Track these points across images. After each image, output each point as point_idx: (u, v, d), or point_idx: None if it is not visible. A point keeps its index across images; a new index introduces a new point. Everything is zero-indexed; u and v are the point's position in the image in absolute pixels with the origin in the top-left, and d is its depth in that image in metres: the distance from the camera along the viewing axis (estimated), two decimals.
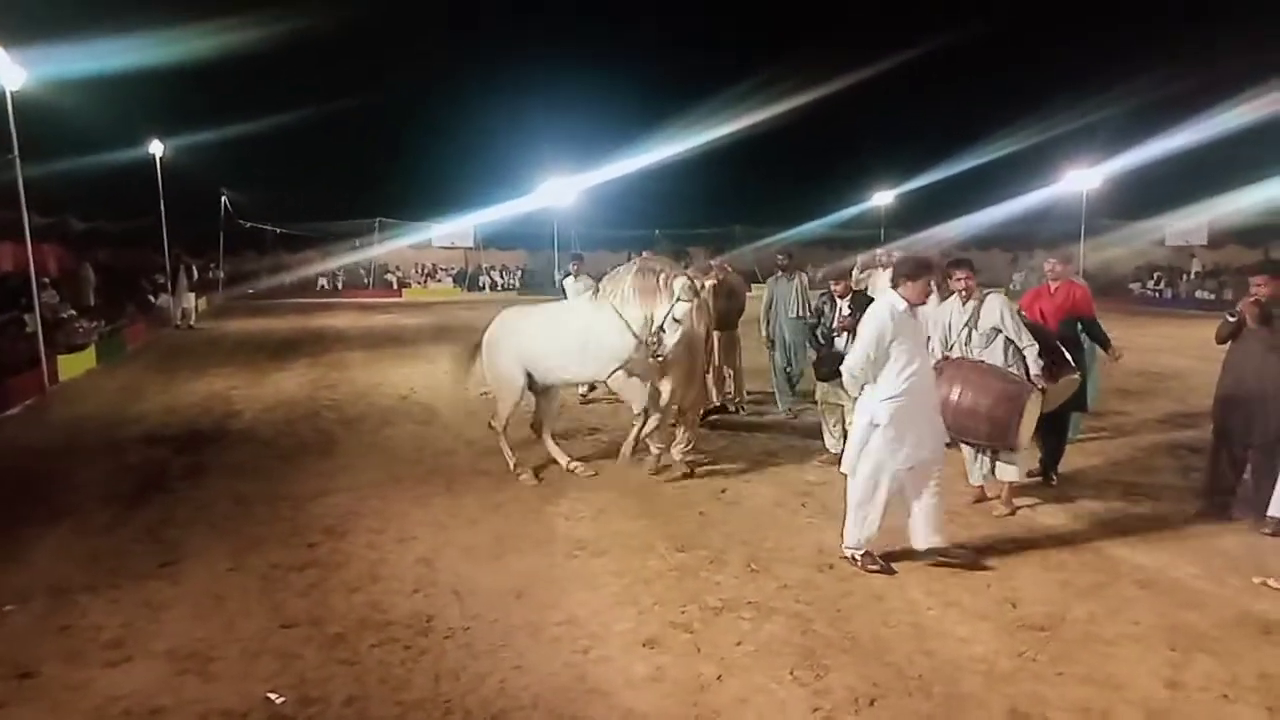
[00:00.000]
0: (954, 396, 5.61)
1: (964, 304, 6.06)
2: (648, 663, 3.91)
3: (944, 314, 6.21)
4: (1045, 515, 5.97)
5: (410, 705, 3.56)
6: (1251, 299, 5.59)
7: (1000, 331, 5.90)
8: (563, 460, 7.18)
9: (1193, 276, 32.48)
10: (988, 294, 6.09)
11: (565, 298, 9.85)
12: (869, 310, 5.03)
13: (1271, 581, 4.68)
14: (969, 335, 6.01)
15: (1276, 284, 5.58)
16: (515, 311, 7.49)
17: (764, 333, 9.33)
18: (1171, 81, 29.91)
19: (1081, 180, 30.80)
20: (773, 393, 9.59)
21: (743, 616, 4.39)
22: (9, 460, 8.02)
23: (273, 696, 3.62)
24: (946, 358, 5.98)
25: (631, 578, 4.91)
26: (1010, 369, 5.82)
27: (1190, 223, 32.27)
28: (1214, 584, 4.74)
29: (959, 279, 6.08)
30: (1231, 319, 5.78)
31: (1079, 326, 6.82)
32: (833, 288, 7.24)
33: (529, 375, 7.02)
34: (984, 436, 5.76)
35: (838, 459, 7.15)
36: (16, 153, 11.59)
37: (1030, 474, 6.44)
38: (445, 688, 3.70)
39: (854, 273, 8.15)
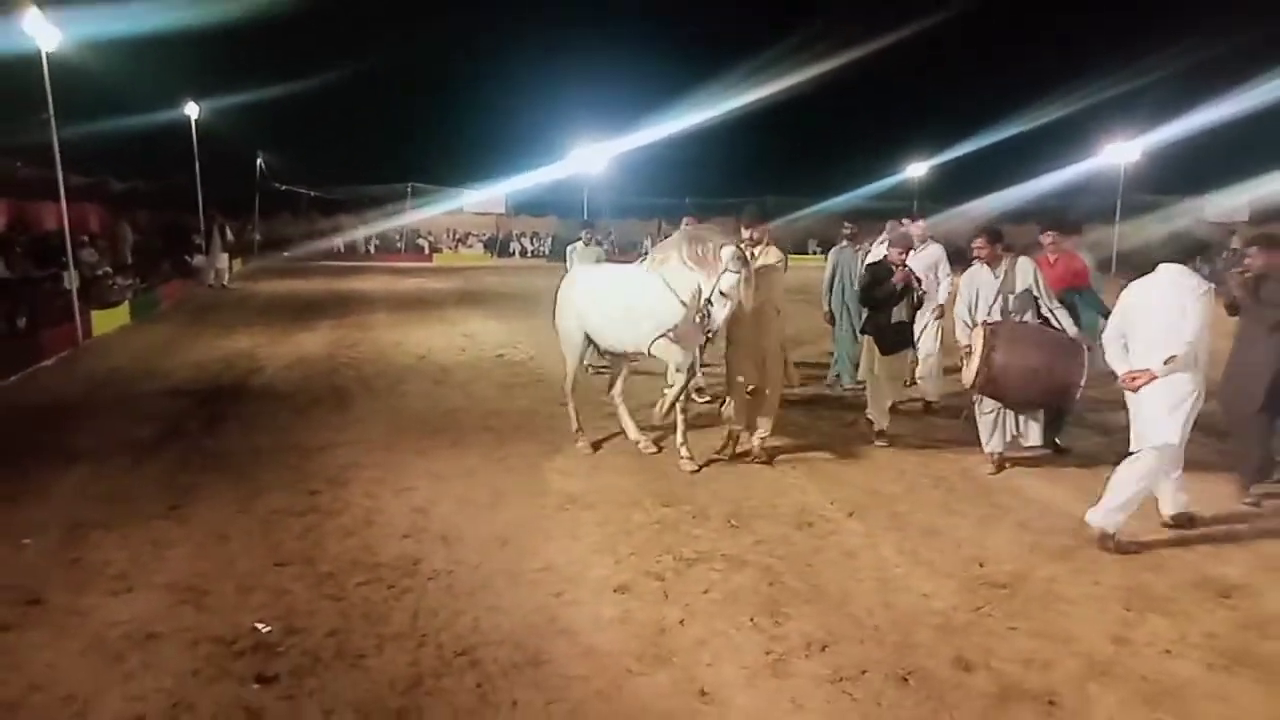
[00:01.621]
0: (1016, 359, 5.71)
1: (994, 271, 6.22)
2: (616, 607, 4.10)
3: (972, 281, 6.35)
4: (1028, 481, 6.07)
5: (388, 638, 3.78)
6: (1239, 270, 5.61)
7: (1036, 297, 6.14)
8: (631, 433, 6.95)
9: (1231, 254, 31.80)
10: (1018, 258, 6.25)
11: (568, 266, 9.66)
12: (1198, 288, 4.76)
13: None
14: (1005, 300, 6.15)
15: (1269, 255, 5.58)
16: (582, 270, 7.54)
17: (826, 305, 9.04)
18: (1215, 44, 28.93)
19: (1120, 153, 30.23)
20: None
21: (715, 568, 4.55)
22: (38, 406, 8.39)
23: (260, 626, 3.86)
24: (989, 323, 6.03)
25: (614, 529, 5.10)
26: None
27: (1233, 199, 31.53)
28: (1182, 548, 4.82)
29: (977, 246, 6.27)
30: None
31: (1077, 297, 6.89)
32: (897, 255, 6.98)
33: (589, 336, 6.92)
34: (1043, 396, 5.91)
35: (883, 433, 7.06)
36: (51, 112, 11.91)
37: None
38: (422, 623, 3.91)
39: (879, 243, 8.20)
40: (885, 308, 6.94)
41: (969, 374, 6.06)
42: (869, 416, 7.17)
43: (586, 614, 4.03)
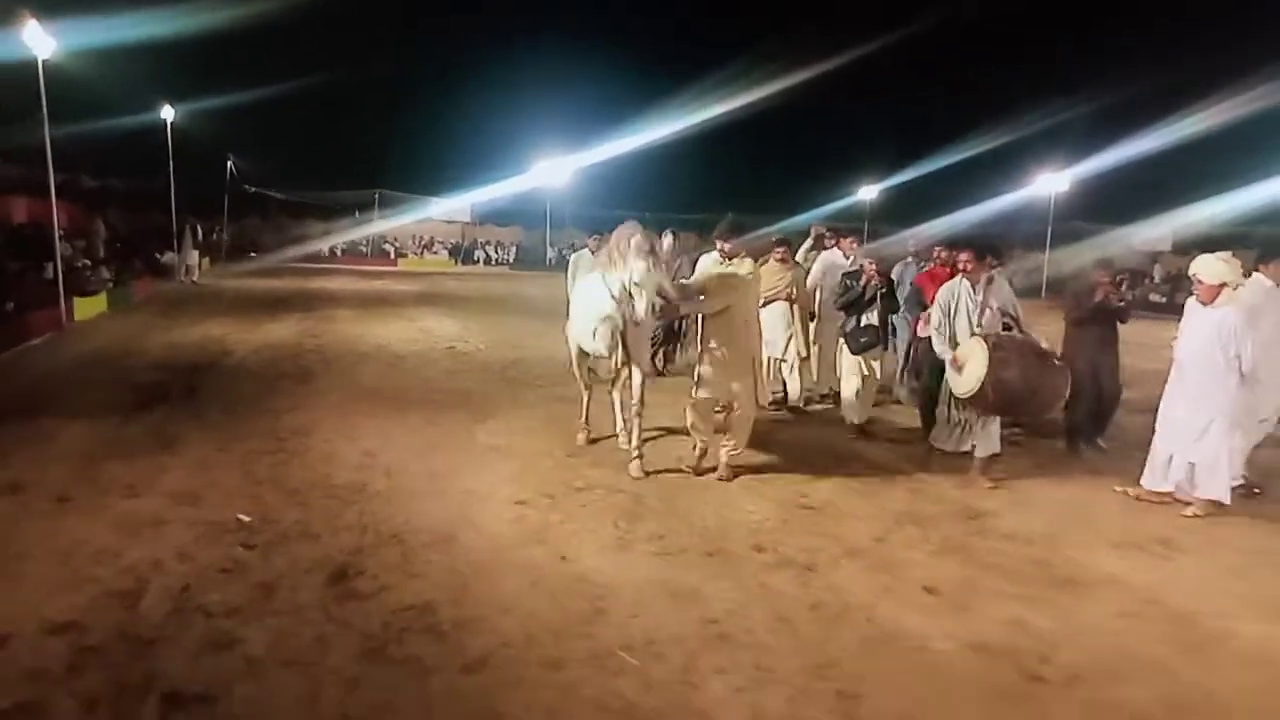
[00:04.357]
0: (1017, 374, 5.88)
1: (974, 287, 6.39)
2: (514, 512, 5.43)
3: (950, 294, 6.46)
4: (878, 453, 7.43)
5: (339, 527, 5.07)
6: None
7: (1010, 314, 6.45)
8: (620, 433, 7.14)
9: (1154, 280, 33.89)
10: (994, 275, 6.55)
11: (570, 275, 9.37)
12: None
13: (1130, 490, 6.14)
14: (982, 315, 6.36)
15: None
16: (583, 281, 7.39)
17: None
18: (1147, 78, 31.18)
19: (1050, 183, 32.24)
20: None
21: (596, 492, 5.90)
22: (33, 377, 9.55)
23: (243, 517, 5.13)
24: (990, 336, 6.14)
25: (524, 469, 6.42)
26: None
27: (1158, 228, 33.70)
28: (963, 492, 6.22)
29: (963, 260, 6.47)
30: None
31: None
32: (869, 267, 7.66)
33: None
34: (1035, 409, 6.32)
35: (859, 428, 7.92)
36: (45, 115, 13.04)
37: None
38: (365, 520, 5.20)
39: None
40: (855, 312, 7.67)
41: (965, 384, 6.13)
42: (843, 413, 8.01)
43: (490, 516, 5.35)
